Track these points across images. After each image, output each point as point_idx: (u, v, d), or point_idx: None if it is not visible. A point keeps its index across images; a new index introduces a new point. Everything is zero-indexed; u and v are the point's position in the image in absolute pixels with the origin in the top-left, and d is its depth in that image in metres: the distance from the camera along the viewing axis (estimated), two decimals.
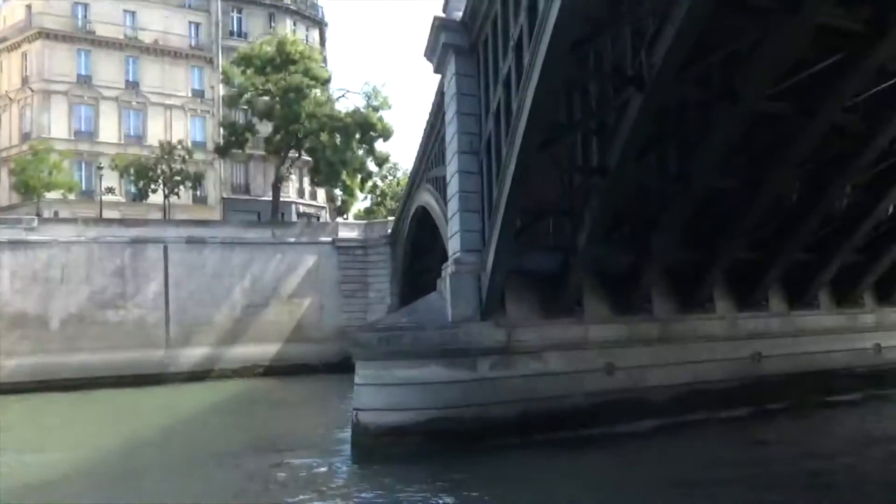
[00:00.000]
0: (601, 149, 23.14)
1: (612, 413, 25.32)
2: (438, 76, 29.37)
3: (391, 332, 24.23)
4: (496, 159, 23.74)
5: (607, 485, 19.56)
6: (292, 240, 57.21)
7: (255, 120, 63.48)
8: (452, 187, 26.47)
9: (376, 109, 61.75)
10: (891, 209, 31.31)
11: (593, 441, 23.85)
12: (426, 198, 41.62)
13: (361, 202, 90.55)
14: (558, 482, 19.71)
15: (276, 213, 65.63)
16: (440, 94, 30.80)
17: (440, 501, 18.69)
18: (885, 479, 19.43)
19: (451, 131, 26.79)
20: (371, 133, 61.69)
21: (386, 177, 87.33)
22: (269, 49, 60.96)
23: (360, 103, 63.03)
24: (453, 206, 26.44)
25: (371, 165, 66.82)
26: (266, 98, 60.78)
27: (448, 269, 25.87)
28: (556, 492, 18.94)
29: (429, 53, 27.86)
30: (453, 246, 26.41)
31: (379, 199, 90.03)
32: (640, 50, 19.72)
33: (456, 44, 26.20)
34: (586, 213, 23.84)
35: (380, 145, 63.94)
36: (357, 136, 61.43)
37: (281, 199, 67.15)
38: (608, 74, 21.47)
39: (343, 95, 66.69)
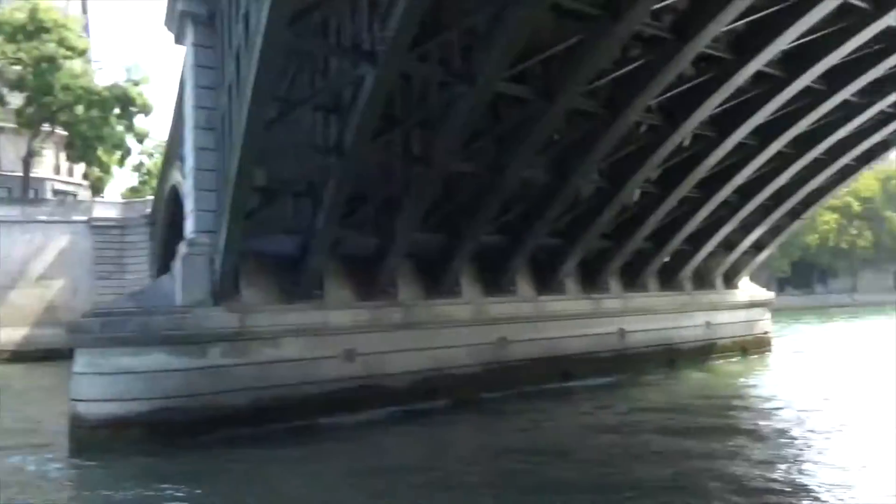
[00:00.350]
0: (339, 127, 22.28)
1: (353, 401, 24.69)
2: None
3: (113, 318, 22.65)
4: (230, 136, 22.53)
5: (328, 476, 18.77)
6: (43, 218, 54.15)
7: (4, 90, 59.42)
8: (188, 165, 25.12)
9: (137, 84, 59.15)
10: (637, 195, 31.90)
11: (330, 430, 23.20)
12: (177, 176, 39.80)
13: (128, 180, 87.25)
14: (281, 474, 18.78)
15: (27, 190, 61.86)
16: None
17: (151, 497, 17.44)
18: (591, 476, 18.80)
19: (188, 105, 25.38)
20: (131, 108, 59.07)
21: (152, 155, 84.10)
22: (21, 16, 57.20)
23: (122, 77, 60.32)
24: (189, 184, 25.09)
25: (131, 142, 64.11)
26: (17, 67, 57.03)
27: (181, 250, 24.49)
28: (275, 484, 18.03)
29: (168, 22, 26.29)
30: (188, 226, 25.05)
31: (145, 177, 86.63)
32: (374, 23, 18.98)
33: (194, 12, 24.72)
34: (324, 193, 22.95)
35: (141, 121, 61.54)
36: (116, 110, 58.68)
37: (35, 175, 63.42)
38: (345, 48, 20.51)
39: (101, 68, 63.73)
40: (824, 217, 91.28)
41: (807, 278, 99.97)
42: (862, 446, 20.93)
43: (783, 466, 19.02)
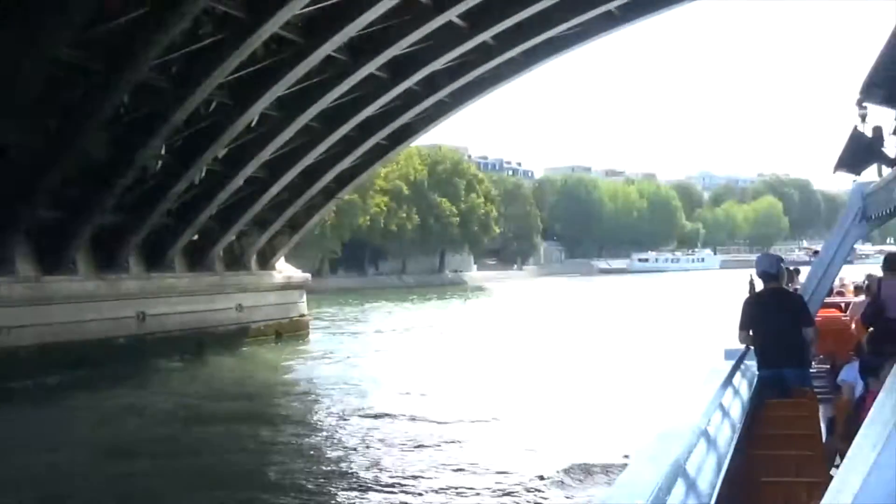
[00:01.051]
0: None
1: None
2: None
3: None
4: None
5: None
6: None
7: None
8: None
9: None
10: (157, 166, 29.68)
11: None
12: None
13: None
14: None
15: None
16: None
17: None
18: None
19: None
20: None
21: None
22: None
23: None
24: None
25: None
26: None
27: None
28: None
29: None
30: None
31: None
32: None
33: None
34: None
35: None
36: None
37: None
38: None
39: None
40: (375, 199, 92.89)
41: (359, 260, 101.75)
42: (376, 430, 20.57)
43: (296, 460, 18.22)
